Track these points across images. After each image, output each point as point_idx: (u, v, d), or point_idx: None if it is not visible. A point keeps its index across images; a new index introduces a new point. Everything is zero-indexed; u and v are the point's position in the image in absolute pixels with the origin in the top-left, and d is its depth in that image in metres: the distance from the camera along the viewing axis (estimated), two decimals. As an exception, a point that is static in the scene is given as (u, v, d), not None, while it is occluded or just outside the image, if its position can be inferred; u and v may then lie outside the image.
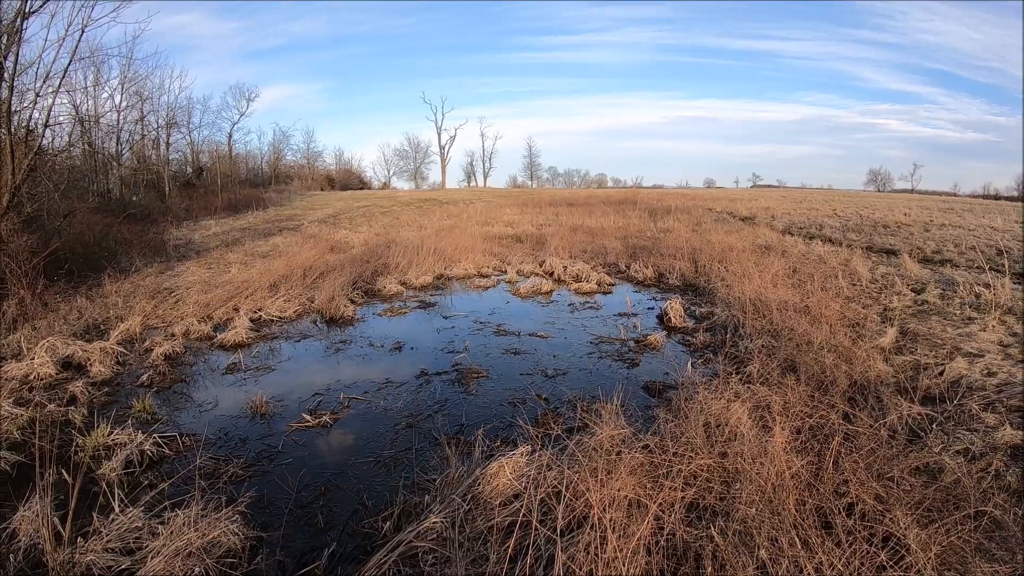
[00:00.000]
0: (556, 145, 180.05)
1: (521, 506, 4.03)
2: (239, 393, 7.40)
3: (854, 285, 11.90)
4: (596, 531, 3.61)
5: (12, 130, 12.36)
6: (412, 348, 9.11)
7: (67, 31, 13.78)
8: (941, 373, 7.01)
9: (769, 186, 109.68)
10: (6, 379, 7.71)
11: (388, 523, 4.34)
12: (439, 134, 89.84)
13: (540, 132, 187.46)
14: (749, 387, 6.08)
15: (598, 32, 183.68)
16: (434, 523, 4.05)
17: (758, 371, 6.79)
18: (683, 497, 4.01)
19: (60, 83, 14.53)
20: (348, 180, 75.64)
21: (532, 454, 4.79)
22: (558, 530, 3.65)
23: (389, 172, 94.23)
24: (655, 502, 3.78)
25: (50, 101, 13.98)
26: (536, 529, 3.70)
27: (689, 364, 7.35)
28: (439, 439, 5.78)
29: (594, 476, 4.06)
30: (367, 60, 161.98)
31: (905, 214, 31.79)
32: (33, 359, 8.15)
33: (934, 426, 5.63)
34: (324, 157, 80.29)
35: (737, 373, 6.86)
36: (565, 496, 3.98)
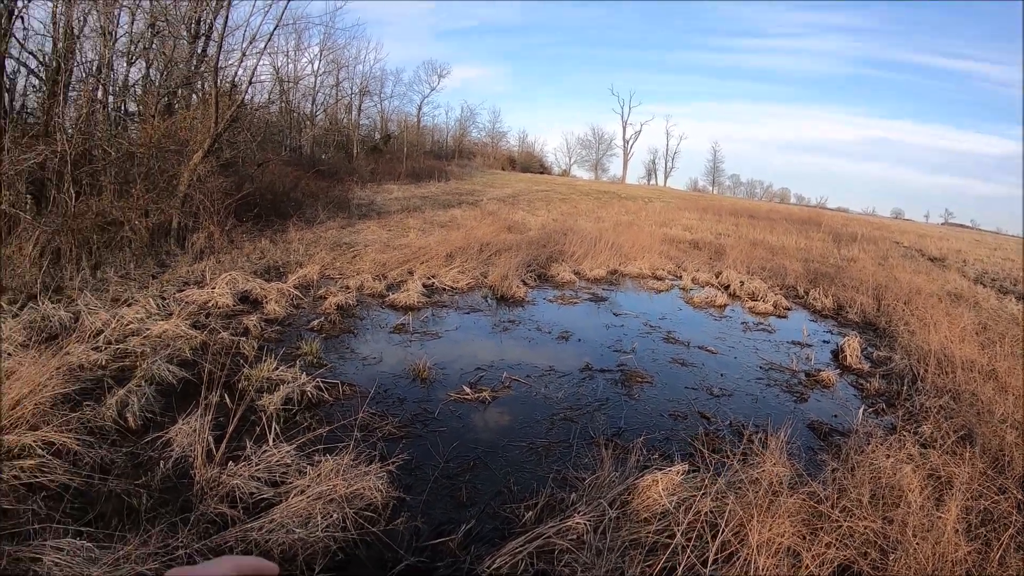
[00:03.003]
0: (739, 152, 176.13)
1: (669, 526, 3.95)
2: (403, 353, 7.61)
3: None
4: (747, 572, 3.51)
5: (218, 83, 12.98)
6: (579, 340, 9.01)
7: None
8: None
9: (961, 226, 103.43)
10: (186, 303, 8.05)
11: (530, 512, 4.30)
12: (624, 128, 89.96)
13: (724, 137, 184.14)
14: (923, 450, 5.58)
15: (791, 37, 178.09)
16: (577, 523, 3.97)
17: (931, 433, 6.31)
18: (837, 556, 3.79)
19: (265, 46, 15.28)
20: (529, 163, 76.35)
21: (688, 474, 4.65)
22: (709, 561, 3.55)
23: (570, 160, 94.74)
24: (809, 553, 3.65)
25: (254, 61, 14.70)
26: (682, 554, 3.60)
27: (860, 411, 6.96)
28: (596, 438, 5.70)
29: (752, 511, 3.90)
30: (555, 48, 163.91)
31: None
32: (214, 288, 8.48)
33: None
34: (508, 138, 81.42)
35: (909, 431, 6.37)
36: (723, 529, 3.81)
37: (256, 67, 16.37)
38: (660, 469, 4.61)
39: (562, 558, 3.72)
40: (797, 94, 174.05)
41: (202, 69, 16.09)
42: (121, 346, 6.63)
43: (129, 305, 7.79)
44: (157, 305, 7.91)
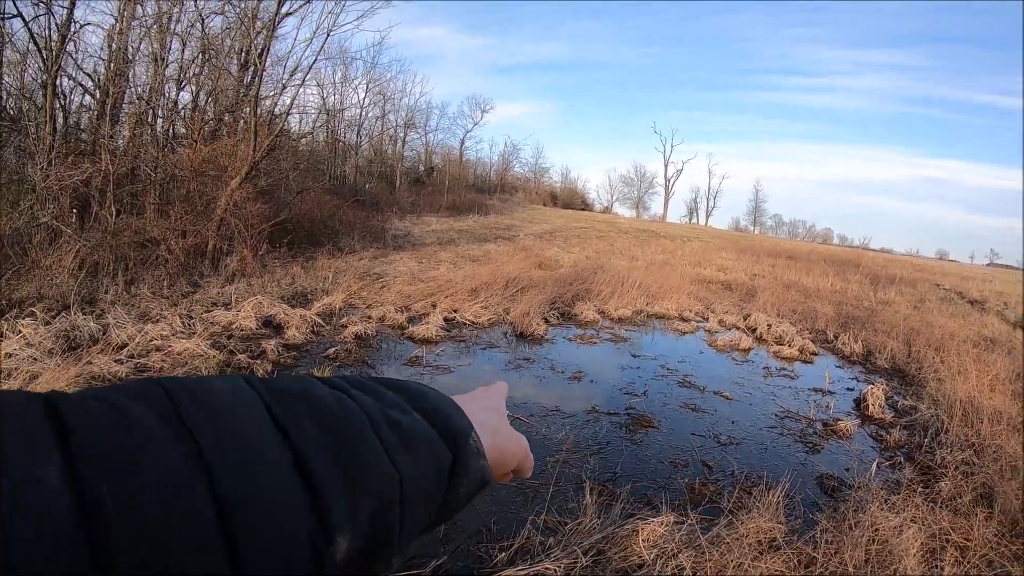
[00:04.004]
0: (783, 191, 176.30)
1: None
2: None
3: None
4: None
5: (258, 112, 13.35)
6: (591, 381, 8.86)
7: (314, 33, 15.26)
8: None
9: (1008, 267, 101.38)
10: (210, 323, 8.26)
11: (504, 554, 4.20)
12: (666, 166, 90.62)
13: (768, 176, 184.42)
14: (932, 509, 5.30)
15: (838, 75, 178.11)
16: (547, 569, 3.89)
17: (948, 490, 5.99)
18: None
19: (304, 78, 15.81)
20: (571, 199, 76.60)
21: (674, 525, 4.51)
22: None
23: (612, 197, 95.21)
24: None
25: (294, 92, 15.18)
26: None
27: (875, 465, 6.70)
28: (584, 482, 5.51)
29: (729, 570, 3.82)
30: (602, 86, 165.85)
31: None
32: (239, 311, 8.68)
33: None
34: (550, 174, 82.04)
35: (925, 487, 6.18)
36: None
37: (295, 98, 16.90)
38: (644, 519, 4.52)
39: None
40: (842, 133, 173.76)
41: (247, 97, 16.60)
42: (142, 360, 6.86)
43: (156, 322, 8.00)
44: (183, 323, 8.14)
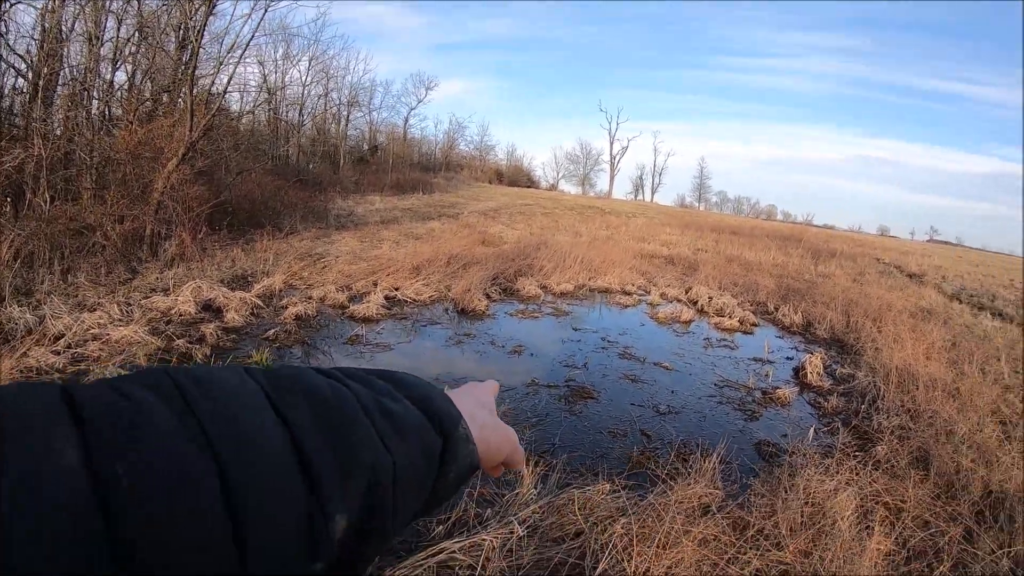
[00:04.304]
0: (728, 169, 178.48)
1: (579, 547, 3.85)
2: (351, 364, 7.52)
3: (1017, 373, 10.46)
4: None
5: (194, 91, 13.13)
6: (532, 354, 8.89)
7: (253, 7, 15.01)
8: None
9: (947, 243, 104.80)
10: (149, 309, 8.17)
11: (441, 527, 4.20)
12: (611, 143, 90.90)
13: (713, 154, 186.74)
14: (868, 473, 5.40)
15: (784, 57, 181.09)
16: (484, 540, 3.87)
17: (885, 455, 6.09)
18: None
19: (242, 54, 15.58)
20: (517, 177, 76.64)
21: (610, 494, 4.55)
22: None
23: (558, 174, 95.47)
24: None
25: (232, 70, 14.95)
26: None
27: (812, 431, 6.78)
28: (526, 455, 5.57)
29: (668, 536, 3.82)
30: (548, 65, 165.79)
31: None
32: (178, 297, 8.59)
33: None
34: (496, 151, 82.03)
35: (863, 451, 6.27)
36: (633, 553, 3.74)
37: (232, 76, 16.65)
38: (581, 488, 4.52)
39: (462, 574, 3.64)
40: (787, 113, 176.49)
41: (184, 75, 16.28)
42: (80, 350, 6.76)
43: (93, 310, 7.84)
44: (121, 311, 8.00)
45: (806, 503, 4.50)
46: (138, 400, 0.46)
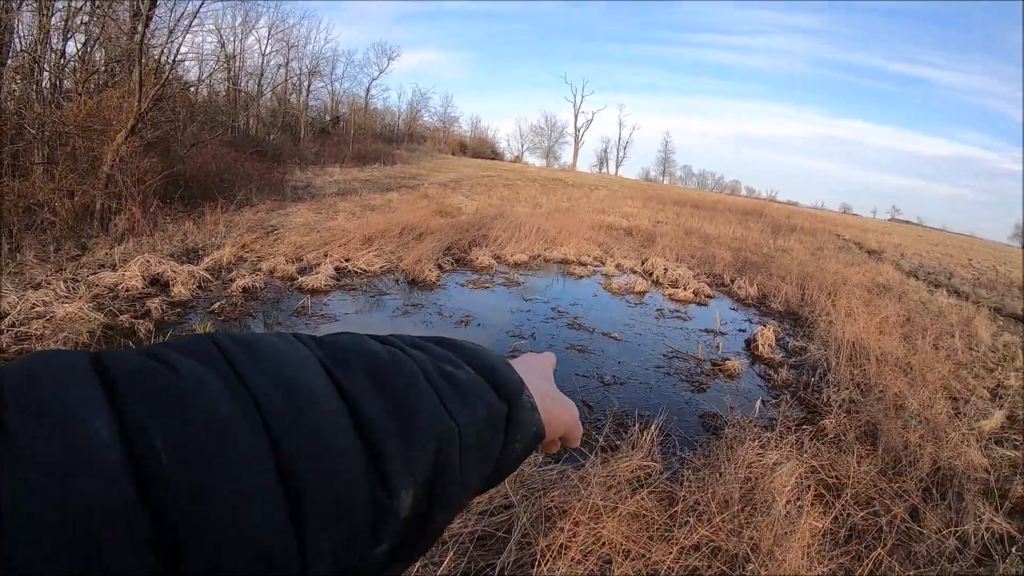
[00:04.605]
0: (694, 145, 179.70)
1: (508, 521, 3.76)
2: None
3: (971, 349, 10.62)
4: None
5: (142, 60, 12.90)
6: (479, 324, 8.80)
7: None
8: None
9: (907, 222, 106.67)
10: (95, 285, 8.07)
11: None
12: (576, 116, 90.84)
13: (679, 129, 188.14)
14: (813, 447, 5.30)
15: (751, 35, 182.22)
16: None
17: (832, 429, 6.02)
18: (675, 568, 3.50)
19: (191, 22, 15.26)
20: (481, 148, 76.43)
21: (542, 465, 4.46)
22: (536, 561, 3.37)
23: (523, 147, 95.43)
24: (643, 563, 3.41)
25: (182, 37, 14.69)
26: (515, 551, 3.43)
27: (759, 403, 6.64)
28: None
29: (598, 511, 3.73)
30: (514, 36, 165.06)
31: None
32: (125, 271, 8.49)
33: (1013, 550, 4.45)
34: (460, 123, 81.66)
35: (811, 424, 6.24)
36: (558, 527, 3.66)
37: (180, 44, 16.38)
38: None
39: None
40: (757, 91, 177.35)
41: (133, 44, 15.94)
42: (23, 328, 6.69)
43: (38, 288, 7.79)
44: (67, 288, 7.91)
45: (745, 479, 4.38)
46: (178, 368, 0.43)
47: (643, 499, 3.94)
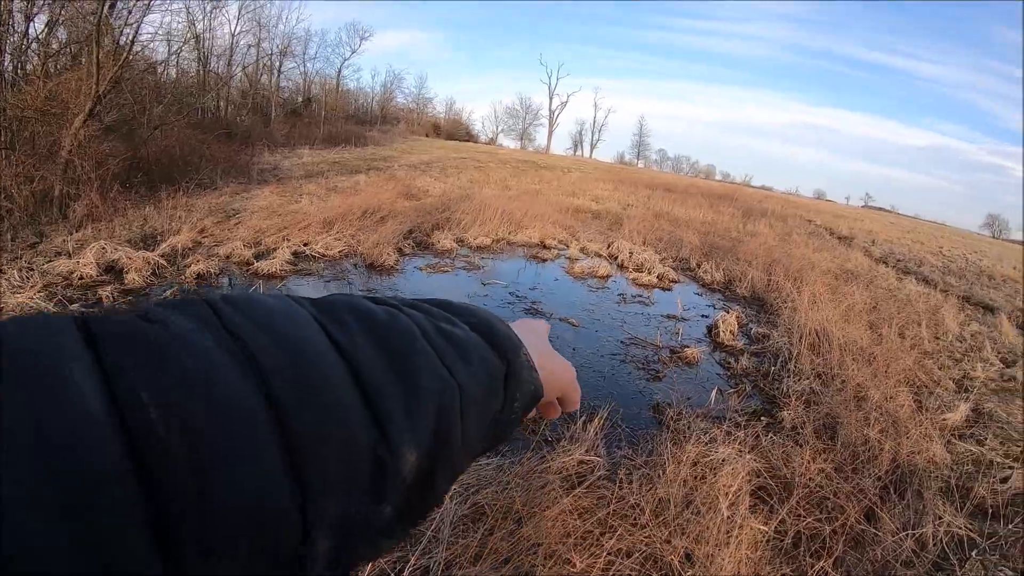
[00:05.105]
0: (670, 129, 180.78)
1: (437, 519, 3.55)
2: None
3: (937, 339, 10.49)
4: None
5: (100, 40, 12.71)
6: None
7: None
8: (1005, 480, 5.48)
9: (881, 209, 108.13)
10: (47, 273, 7.99)
11: None
12: (551, 98, 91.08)
13: (656, 114, 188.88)
14: (772, 438, 5.16)
15: (731, 21, 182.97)
16: None
17: (790, 421, 5.84)
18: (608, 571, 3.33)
19: (148, 3, 15.05)
20: (455, 130, 76.43)
21: (481, 461, 4.20)
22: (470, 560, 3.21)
23: (497, 129, 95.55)
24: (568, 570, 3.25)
25: (140, 16, 14.50)
26: (449, 549, 3.27)
27: (714, 393, 6.45)
28: None
29: (533, 509, 3.59)
30: (489, 16, 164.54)
31: (1015, 268, 29.36)
32: (80, 259, 8.40)
33: (973, 554, 4.23)
34: (435, 104, 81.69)
35: (767, 415, 6.10)
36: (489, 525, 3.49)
37: (140, 23, 16.16)
38: None
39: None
40: (735, 77, 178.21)
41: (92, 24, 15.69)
42: (-30, 318, 6.57)
43: (-10, 278, 7.63)
44: (21, 277, 7.83)
45: (694, 476, 4.19)
46: (166, 323, 0.42)
47: (579, 498, 3.81)
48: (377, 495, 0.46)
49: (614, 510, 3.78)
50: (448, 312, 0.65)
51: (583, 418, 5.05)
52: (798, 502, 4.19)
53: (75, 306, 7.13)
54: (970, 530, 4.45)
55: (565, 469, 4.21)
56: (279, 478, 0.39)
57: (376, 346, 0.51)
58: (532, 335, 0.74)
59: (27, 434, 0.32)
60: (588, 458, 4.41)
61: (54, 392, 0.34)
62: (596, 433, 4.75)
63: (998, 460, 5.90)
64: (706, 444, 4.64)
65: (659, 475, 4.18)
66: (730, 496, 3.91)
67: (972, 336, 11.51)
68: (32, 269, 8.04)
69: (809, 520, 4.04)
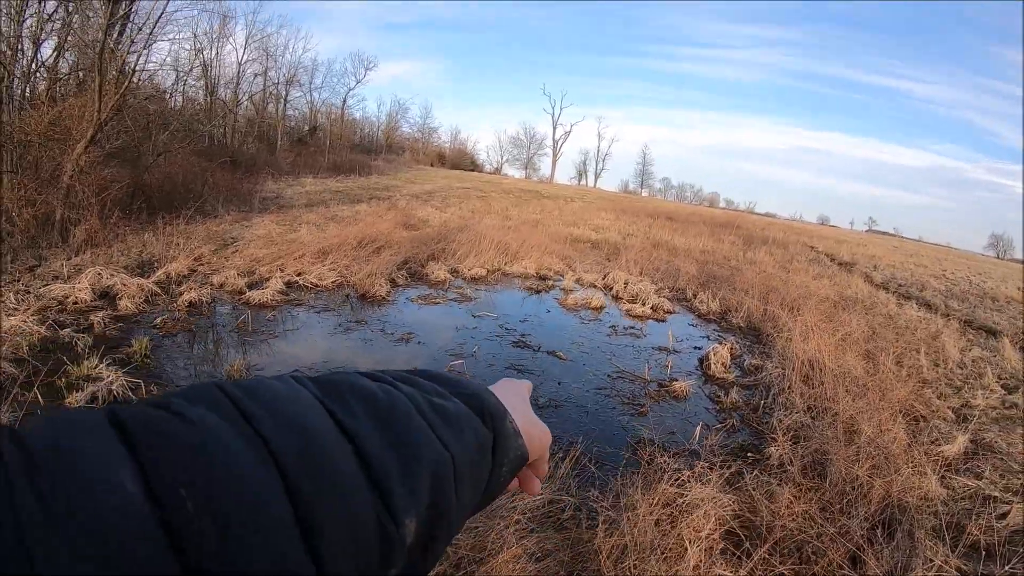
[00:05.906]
0: (673, 155, 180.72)
1: None
2: (231, 354, 7.51)
3: (937, 366, 10.17)
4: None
5: (103, 68, 12.84)
6: (420, 342, 8.55)
7: None
8: (1003, 516, 5.20)
9: (885, 233, 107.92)
10: (41, 297, 8.05)
11: None
12: (554, 128, 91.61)
13: (658, 140, 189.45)
14: (756, 476, 4.96)
15: (728, 48, 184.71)
16: None
17: (777, 458, 5.68)
18: None
19: (152, 32, 15.26)
20: (460, 160, 76.71)
21: None
22: None
23: (502, 158, 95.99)
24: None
25: (144, 44, 14.67)
26: None
27: (699, 428, 6.27)
28: None
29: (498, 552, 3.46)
30: (493, 47, 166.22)
31: (1019, 288, 28.47)
32: (75, 284, 8.46)
33: None
34: (440, 134, 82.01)
35: (754, 451, 6.02)
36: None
37: (143, 52, 16.33)
38: None
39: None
40: (735, 103, 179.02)
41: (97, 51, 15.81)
42: (-33, 342, 6.65)
43: (-12, 301, 7.66)
44: (16, 300, 7.88)
45: (662, 518, 4.04)
46: (193, 419, 0.45)
47: (542, 540, 3.74)
48: (384, 562, 0.50)
49: (575, 554, 3.73)
50: (438, 384, 0.68)
51: (559, 454, 4.98)
52: (774, 546, 4.00)
53: (66, 331, 7.12)
54: (964, 572, 4.28)
55: (532, 509, 4.11)
56: (298, 556, 0.43)
57: (375, 424, 0.55)
58: (516, 398, 0.79)
59: (83, 532, 0.35)
60: (560, 497, 4.34)
61: (100, 488, 0.37)
62: (567, 472, 4.70)
63: (996, 495, 5.70)
64: (679, 484, 4.43)
65: (625, 519, 4.00)
66: (699, 541, 3.74)
67: (973, 362, 11.23)
68: (28, 292, 8.12)
69: (786, 567, 3.86)
